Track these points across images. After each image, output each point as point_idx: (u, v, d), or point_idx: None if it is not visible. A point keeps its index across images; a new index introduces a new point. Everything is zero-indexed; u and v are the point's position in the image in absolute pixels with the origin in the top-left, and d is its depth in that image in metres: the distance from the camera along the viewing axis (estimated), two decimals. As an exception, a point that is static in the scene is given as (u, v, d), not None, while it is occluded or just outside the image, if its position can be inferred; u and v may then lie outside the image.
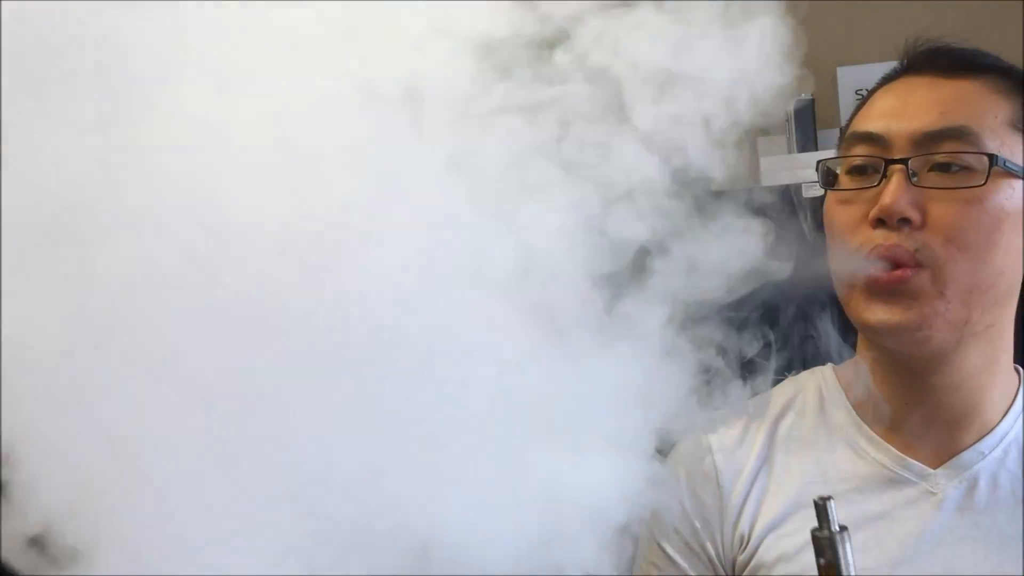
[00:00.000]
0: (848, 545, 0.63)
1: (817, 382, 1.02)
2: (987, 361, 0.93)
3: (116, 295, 0.55)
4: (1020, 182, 0.89)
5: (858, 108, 0.98)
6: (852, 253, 0.90)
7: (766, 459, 0.98)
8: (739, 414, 1.03)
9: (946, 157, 0.88)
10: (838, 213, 0.93)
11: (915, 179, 0.87)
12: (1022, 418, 0.95)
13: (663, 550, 0.99)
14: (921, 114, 0.89)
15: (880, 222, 0.88)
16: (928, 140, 0.88)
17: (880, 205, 0.87)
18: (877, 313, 0.88)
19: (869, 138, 0.91)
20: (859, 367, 0.99)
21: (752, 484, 0.97)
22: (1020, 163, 0.89)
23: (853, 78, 2.21)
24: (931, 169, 0.88)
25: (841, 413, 0.99)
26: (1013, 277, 0.91)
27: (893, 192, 0.87)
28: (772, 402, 1.02)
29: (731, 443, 1.00)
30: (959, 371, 0.92)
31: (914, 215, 0.87)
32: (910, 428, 0.95)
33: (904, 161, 0.88)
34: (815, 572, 0.87)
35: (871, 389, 0.96)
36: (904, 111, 0.90)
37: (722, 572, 0.97)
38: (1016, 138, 0.90)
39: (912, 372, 0.93)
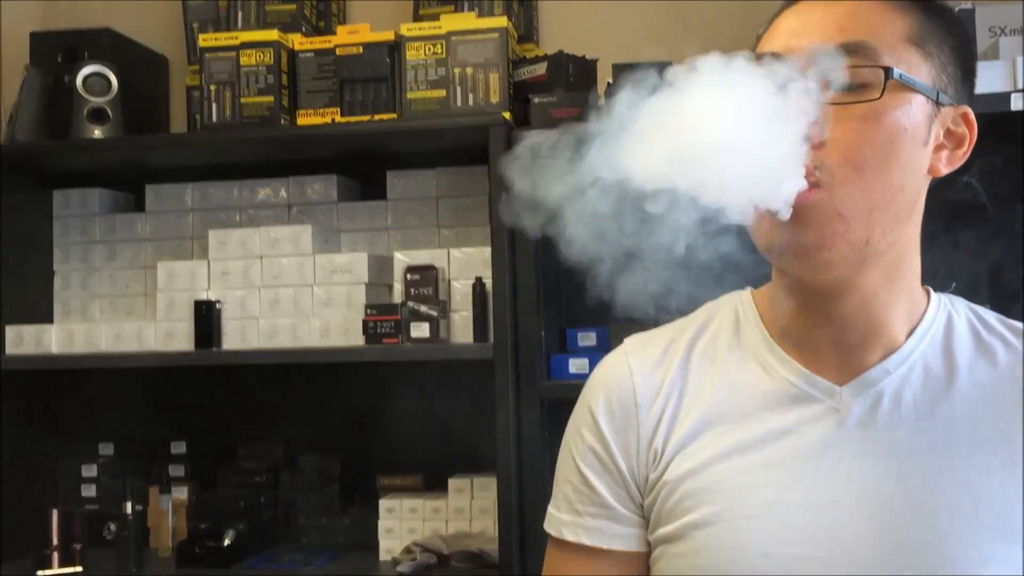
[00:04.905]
0: None
1: (734, 304, 1.05)
2: (890, 280, 0.94)
3: None
4: (918, 97, 0.90)
5: (764, 30, 0.98)
6: None
7: (681, 379, 1.01)
8: (660, 335, 1.06)
9: (844, 73, 0.87)
10: None
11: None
12: (928, 336, 0.97)
13: (580, 470, 1.02)
14: (820, 32, 0.90)
15: None
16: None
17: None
18: (775, 233, 0.89)
19: (772, 58, 0.91)
20: (773, 291, 1.01)
21: (667, 404, 1.00)
22: (918, 79, 0.90)
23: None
24: (831, 87, 0.87)
25: (755, 333, 1.01)
26: (913, 193, 0.92)
27: None
28: (690, 324, 1.05)
29: (650, 364, 1.02)
30: (863, 292, 0.93)
31: (813, 133, 0.87)
32: (818, 347, 0.96)
33: None
34: (719, 486, 0.93)
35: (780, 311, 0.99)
36: (803, 30, 0.91)
37: (635, 490, 1.00)
38: (914, 54, 0.90)
39: (818, 294, 0.94)
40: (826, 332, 0.95)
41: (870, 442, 0.93)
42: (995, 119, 1.81)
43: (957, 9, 0.97)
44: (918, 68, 0.90)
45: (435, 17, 2.27)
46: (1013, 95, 1.79)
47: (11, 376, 2.33)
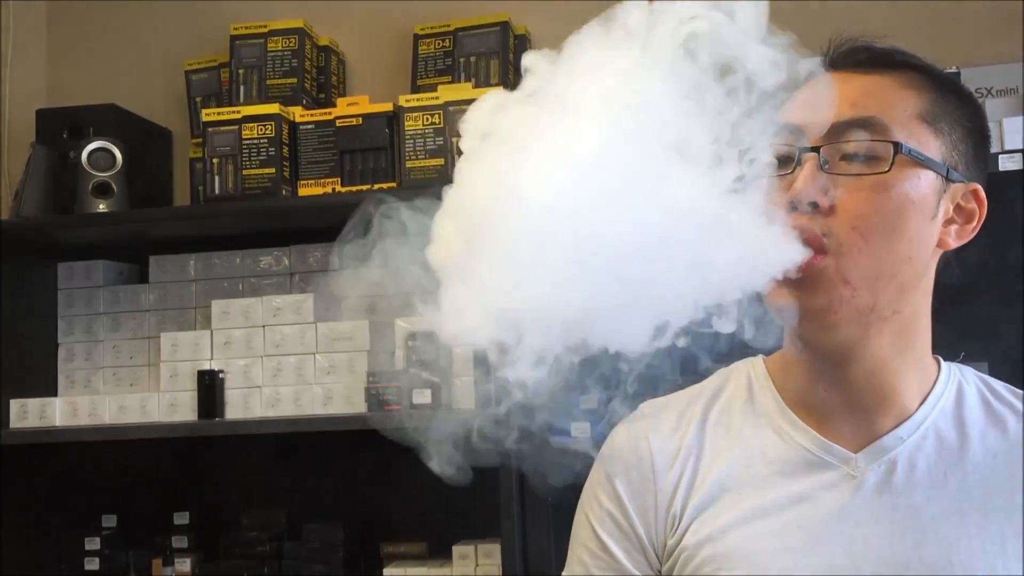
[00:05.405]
0: None
1: (747, 371, 1.06)
2: (900, 348, 0.96)
3: None
4: (927, 172, 0.93)
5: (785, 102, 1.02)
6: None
7: (697, 445, 1.01)
8: (675, 400, 1.07)
9: (854, 145, 0.92)
10: None
11: (826, 167, 0.91)
12: (940, 404, 0.98)
13: (597, 535, 1.02)
14: (834, 106, 0.93)
15: (793, 207, 0.91)
16: (839, 129, 0.92)
17: (792, 189, 0.91)
18: (785, 297, 0.91)
19: (789, 128, 0.94)
20: (785, 357, 1.02)
21: (684, 469, 1.00)
22: (928, 155, 0.93)
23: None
24: (843, 158, 0.92)
25: (768, 399, 1.02)
26: (920, 264, 0.94)
27: (804, 178, 0.91)
28: (705, 390, 1.06)
29: (666, 430, 1.03)
30: (872, 359, 0.95)
31: (822, 200, 0.91)
32: (831, 414, 0.98)
33: (816, 149, 0.92)
34: (738, 552, 0.94)
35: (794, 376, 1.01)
36: (819, 103, 0.94)
37: (653, 555, 1.00)
38: (925, 131, 0.94)
39: (828, 360, 0.96)
40: (838, 398, 0.97)
41: (886, 508, 0.94)
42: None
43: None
44: (928, 144, 0.93)
45: (433, 88, 2.32)
46: (1000, 156, 1.82)
47: (14, 448, 2.34)
